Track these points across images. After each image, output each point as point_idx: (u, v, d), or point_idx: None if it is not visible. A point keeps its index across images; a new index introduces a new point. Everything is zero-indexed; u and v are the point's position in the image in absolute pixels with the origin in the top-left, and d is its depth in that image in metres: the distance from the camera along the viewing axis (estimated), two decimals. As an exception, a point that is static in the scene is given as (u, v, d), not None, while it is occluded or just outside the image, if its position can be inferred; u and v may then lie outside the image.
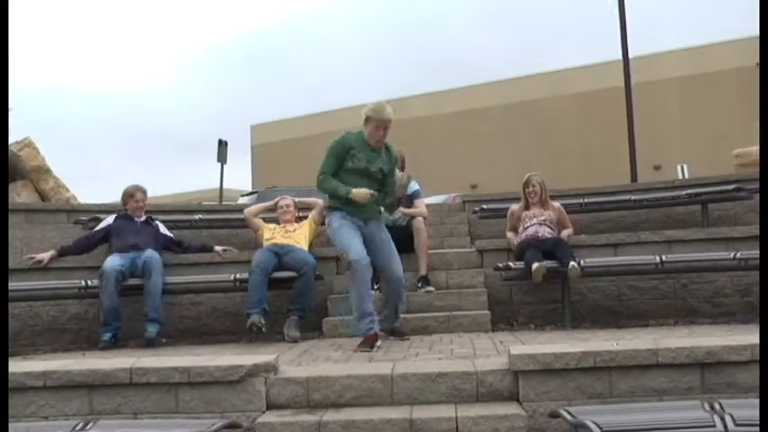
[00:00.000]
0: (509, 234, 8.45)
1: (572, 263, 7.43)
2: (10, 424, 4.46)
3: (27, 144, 13.71)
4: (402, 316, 7.14)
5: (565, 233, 8.22)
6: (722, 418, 3.52)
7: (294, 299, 7.58)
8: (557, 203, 8.63)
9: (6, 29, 7.55)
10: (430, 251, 8.48)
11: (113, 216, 8.61)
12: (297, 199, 9.04)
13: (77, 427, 3.89)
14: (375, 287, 8.05)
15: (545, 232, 8.05)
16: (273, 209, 8.81)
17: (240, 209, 10.76)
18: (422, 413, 4.37)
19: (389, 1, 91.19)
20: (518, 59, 65.28)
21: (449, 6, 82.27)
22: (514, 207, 8.58)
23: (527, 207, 8.41)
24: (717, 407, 3.70)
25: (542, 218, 8.20)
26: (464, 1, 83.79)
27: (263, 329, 7.21)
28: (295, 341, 7.24)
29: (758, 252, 6.53)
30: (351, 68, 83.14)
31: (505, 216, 8.72)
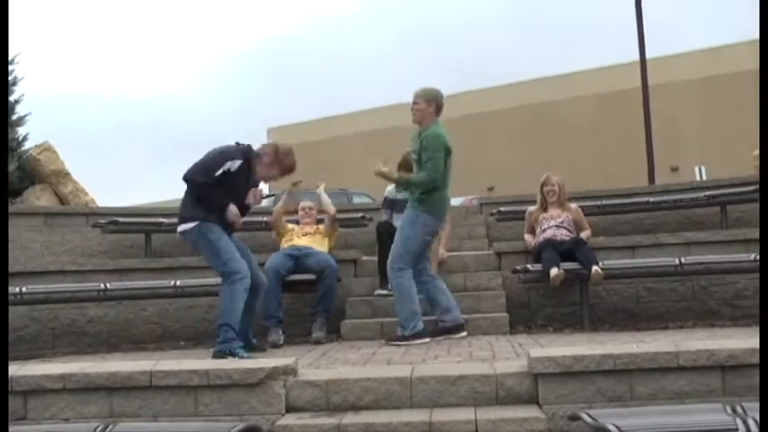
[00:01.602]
0: (526, 236, 8.41)
1: (595, 267, 7.39)
2: (30, 426, 4.49)
3: (46, 148, 13.83)
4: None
5: (583, 235, 8.16)
6: (744, 422, 3.48)
7: (318, 301, 7.63)
8: (574, 205, 8.57)
9: (6, 29, 7.60)
10: (449, 253, 8.51)
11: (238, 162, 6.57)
12: (320, 194, 8.87)
13: (97, 430, 3.90)
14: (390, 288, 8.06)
15: (563, 235, 7.98)
16: (295, 211, 8.79)
17: (257, 211, 10.78)
18: (441, 416, 4.36)
19: (405, 4, 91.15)
20: (535, 62, 65.06)
21: (467, 10, 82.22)
22: (532, 208, 8.51)
23: (544, 208, 8.33)
24: (739, 410, 3.66)
25: (560, 220, 8.12)
26: (480, 4, 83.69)
27: (281, 342, 7.29)
28: (318, 342, 7.26)
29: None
30: (367, 71, 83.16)
31: (523, 218, 8.69)
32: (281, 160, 6.69)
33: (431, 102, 7.05)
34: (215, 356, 6.19)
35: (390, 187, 8.61)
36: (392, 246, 7.06)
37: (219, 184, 6.48)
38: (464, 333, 7.05)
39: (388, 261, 7.02)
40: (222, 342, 6.35)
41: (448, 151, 7.00)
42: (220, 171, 6.46)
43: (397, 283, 6.95)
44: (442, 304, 7.08)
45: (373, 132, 36.21)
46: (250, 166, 6.63)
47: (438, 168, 6.90)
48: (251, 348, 6.77)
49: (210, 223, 6.51)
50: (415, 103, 7.06)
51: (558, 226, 8.07)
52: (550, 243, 7.83)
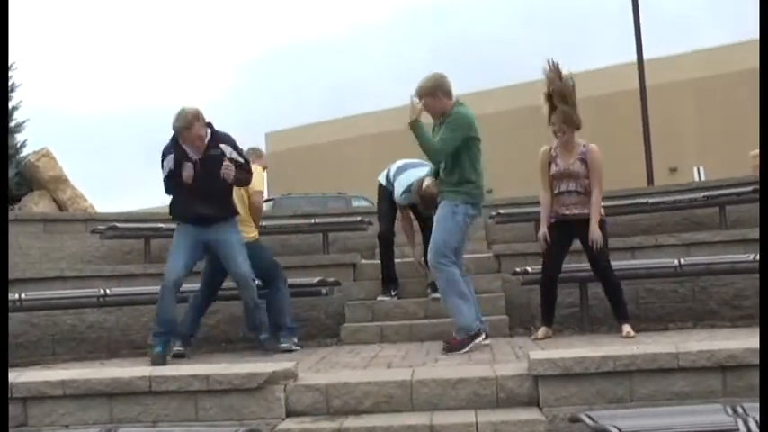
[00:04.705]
0: (542, 194, 7.21)
1: (626, 328, 6.85)
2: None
3: (45, 154, 13.83)
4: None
5: (594, 201, 6.96)
6: (745, 422, 3.49)
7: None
8: (585, 145, 7.12)
9: (6, 29, 7.61)
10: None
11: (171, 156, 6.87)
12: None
13: (98, 436, 3.91)
14: (393, 293, 8.04)
15: (573, 205, 7.04)
16: None
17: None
18: (442, 419, 4.36)
19: (411, 4, 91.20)
20: (535, 63, 64.96)
21: (470, 9, 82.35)
22: (545, 148, 7.27)
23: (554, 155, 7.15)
24: (739, 410, 3.67)
25: (571, 183, 7.04)
26: (483, 4, 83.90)
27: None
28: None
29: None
30: (369, 72, 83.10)
31: (522, 221, 8.52)
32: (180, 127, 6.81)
33: (434, 93, 6.45)
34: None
35: (381, 176, 8.44)
36: (430, 242, 6.59)
37: (177, 184, 6.83)
38: (483, 337, 6.60)
39: (429, 259, 6.60)
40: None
41: (470, 137, 6.43)
42: (167, 173, 6.87)
43: (444, 277, 6.46)
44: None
45: (372, 136, 36.23)
46: (184, 149, 6.85)
47: (446, 148, 6.34)
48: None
49: (180, 224, 7.04)
50: (425, 105, 6.46)
51: (569, 191, 7.05)
52: (559, 234, 7.08)
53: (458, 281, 6.47)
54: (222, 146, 6.89)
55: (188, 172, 6.70)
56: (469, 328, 6.41)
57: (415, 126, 6.40)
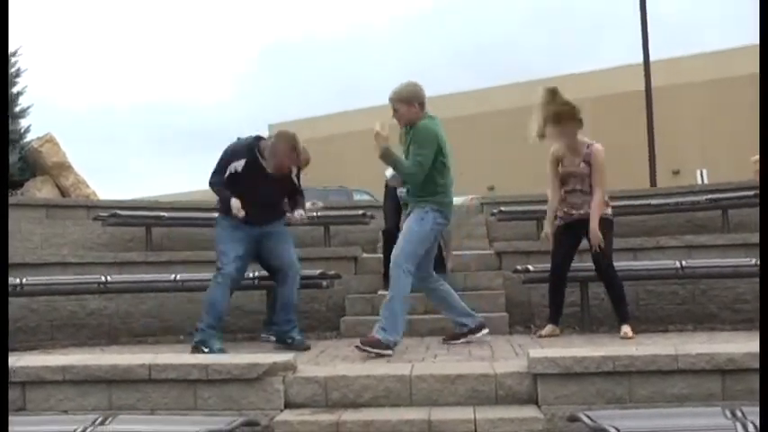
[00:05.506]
0: (549, 192, 7.33)
1: (625, 328, 6.86)
2: (29, 417, 4.50)
3: (48, 140, 13.79)
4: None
5: (595, 201, 6.96)
6: (744, 426, 3.50)
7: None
8: (589, 144, 7.16)
9: (6, 29, 7.63)
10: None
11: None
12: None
13: (97, 422, 3.92)
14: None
15: (578, 203, 7.09)
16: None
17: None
18: (440, 415, 4.36)
19: (413, 4, 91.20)
20: (542, 61, 65.09)
21: (472, 10, 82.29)
22: (554, 149, 7.28)
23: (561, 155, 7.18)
24: (738, 414, 3.68)
25: (578, 185, 7.07)
26: (485, 4, 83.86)
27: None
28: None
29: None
30: (371, 72, 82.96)
31: (523, 219, 8.44)
32: (278, 147, 6.69)
33: (411, 101, 6.41)
34: (191, 350, 6.43)
35: (388, 171, 8.43)
36: (397, 244, 6.46)
37: (232, 184, 6.67)
38: (487, 330, 6.81)
39: (393, 258, 6.39)
40: (197, 331, 6.62)
41: (441, 149, 6.39)
42: (227, 174, 6.69)
43: (394, 285, 6.28)
44: (460, 307, 6.82)
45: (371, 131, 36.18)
46: (258, 161, 6.71)
47: (424, 165, 6.29)
48: (285, 343, 6.72)
49: (227, 217, 6.74)
50: (395, 110, 6.46)
51: (575, 191, 7.09)
52: (566, 235, 7.16)
53: (405, 294, 6.28)
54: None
55: (237, 212, 6.54)
56: (388, 341, 6.07)
57: (387, 155, 6.38)
